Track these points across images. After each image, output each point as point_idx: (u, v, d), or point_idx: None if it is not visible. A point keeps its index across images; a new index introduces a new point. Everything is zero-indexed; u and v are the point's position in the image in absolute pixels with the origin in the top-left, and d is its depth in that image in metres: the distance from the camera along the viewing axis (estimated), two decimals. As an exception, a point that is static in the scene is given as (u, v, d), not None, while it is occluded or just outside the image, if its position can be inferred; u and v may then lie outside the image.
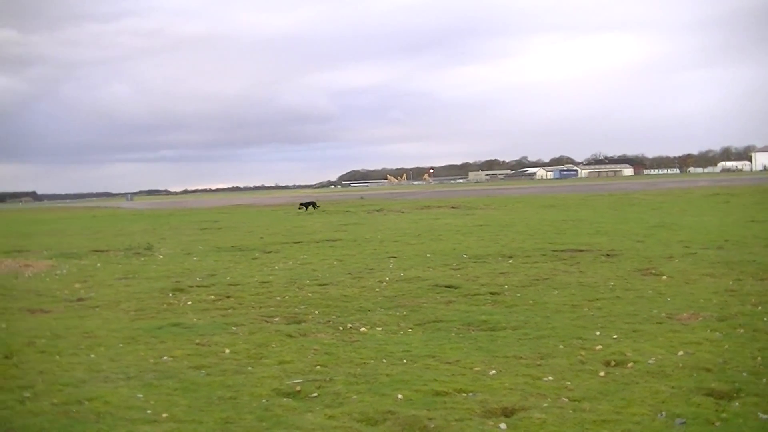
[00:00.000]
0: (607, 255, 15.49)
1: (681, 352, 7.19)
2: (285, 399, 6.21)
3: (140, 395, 6.36)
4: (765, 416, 5.37)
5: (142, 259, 19.06)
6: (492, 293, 11.24)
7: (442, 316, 9.63)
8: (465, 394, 6.15)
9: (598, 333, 8.23)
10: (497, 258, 15.77)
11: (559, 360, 7.17)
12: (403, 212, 39.76)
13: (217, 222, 37.42)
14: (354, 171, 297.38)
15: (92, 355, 7.95)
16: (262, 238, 24.59)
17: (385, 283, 12.65)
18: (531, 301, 10.45)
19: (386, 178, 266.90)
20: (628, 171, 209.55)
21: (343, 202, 64.02)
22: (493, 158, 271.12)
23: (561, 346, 7.69)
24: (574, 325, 8.69)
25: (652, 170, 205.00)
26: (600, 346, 7.58)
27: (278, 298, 11.56)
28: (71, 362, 7.65)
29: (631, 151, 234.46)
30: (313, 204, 46.82)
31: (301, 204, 46.98)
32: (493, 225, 26.13)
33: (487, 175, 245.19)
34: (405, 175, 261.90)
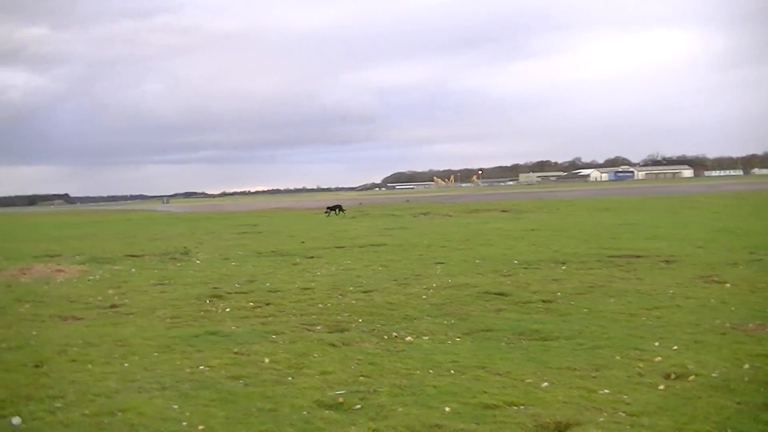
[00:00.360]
0: (666, 261, 15.22)
1: (747, 366, 6.98)
2: (327, 411, 6.16)
3: (175, 406, 6.33)
4: None
5: (179, 264, 19.14)
6: (544, 301, 11.10)
7: (491, 324, 9.52)
8: (516, 408, 6.05)
9: (657, 343, 8.04)
10: (550, 264, 15.60)
11: (616, 372, 7.01)
12: (450, 216, 39.68)
13: (256, 226, 37.80)
14: (399, 173, 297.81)
15: (126, 364, 7.98)
16: (303, 242, 24.71)
17: (431, 290, 12.58)
18: (585, 310, 10.28)
19: (433, 180, 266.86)
20: (688, 172, 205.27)
21: (388, 205, 64.17)
22: (545, 159, 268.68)
23: (617, 357, 7.53)
24: (631, 335, 8.52)
25: (713, 172, 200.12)
26: (659, 358, 7.40)
27: (320, 305, 11.54)
28: (104, 371, 7.67)
29: (690, 152, 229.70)
30: (339, 207, 47.04)
31: (328, 208, 47.28)
32: (545, 229, 25.90)
33: (539, 176, 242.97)
34: (453, 177, 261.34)
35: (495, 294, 11.92)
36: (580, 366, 7.26)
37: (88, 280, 16.02)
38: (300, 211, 59.72)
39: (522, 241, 21.39)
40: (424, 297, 11.94)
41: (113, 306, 12.33)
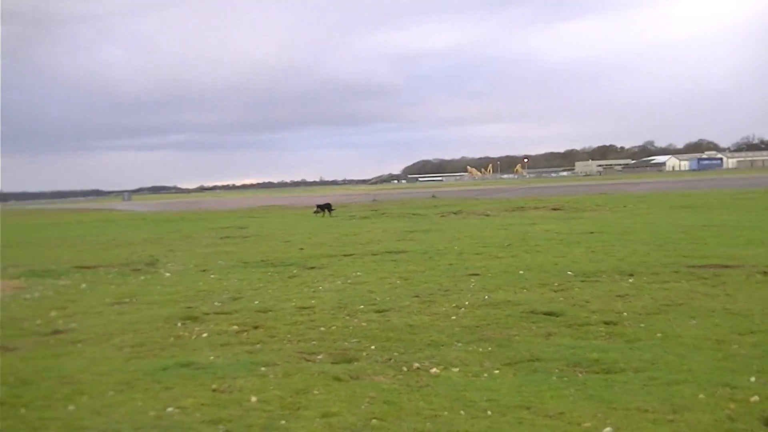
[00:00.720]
0: (765, 273, 15.13)
1: None
2: (330, 465, 6.14)
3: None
4: None
5: (143, 277, 19.21)
6: (607, 323, 11.08)
7: (539, 352, 9.51)
8: (570, 460, 6.01)
9: (752, 379, 7.97)
10: (613, 276, 15.60)
11: (699, 415, 6.96)
12: (488, 215, 39.75)
13: (243, 229, 37.97)
14: (424, 161, 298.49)
15: (71, 407, 7.93)
16: (302, 249, 24.81)
17: (463, 309, 12.64)
18: (660, 334, 10.22)
19: (466, 171, 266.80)
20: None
21: (410, 201, 64.29)
22: (607, 144, 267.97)
23: (701, 396, 7.48)
24: (719, 368, 8.45)
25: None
26: (756, 397, 7.33)
27: (322, 328, 11.61)
28: (42, 417, 7.61)
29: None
30: (328, 207, 48.10)
31: (318, 206, 48.12)
32: (607, 232, 25.89)
33: (600, 165, 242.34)
34: (491, 166, 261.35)
35: (544, 314, 11.92)
36: (654, 406, 7.23)
37: (24, 300, 16.05)
38: (298, 209, 59.73)
39: (578, 247, 21.43)
40: (454, 318, 11.97)
41: (56, 332, 12.28)
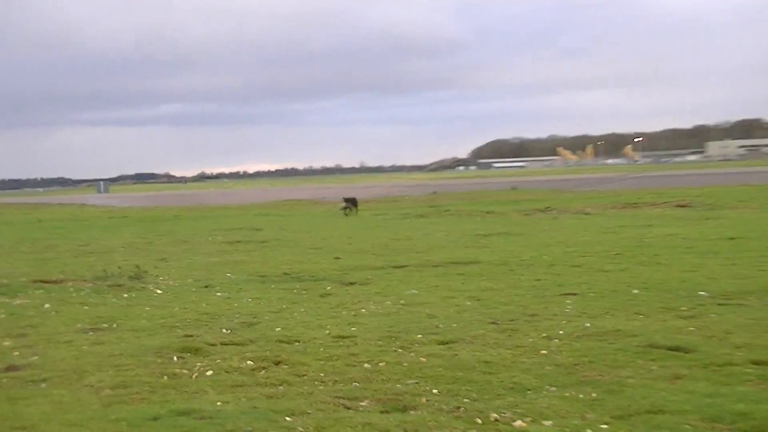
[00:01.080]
0: None
1: None
2: None
3: None
4: None
5: (126, 295, 19.18)
6: (756, 363, 10.90)
7: (662, 402, 9.34)
8: None
9: None
10: (764, 298, 15.41)
11: None
12: (588, 214, 40.06)
13: (258, 231, 38.39)
14: (499, 141, 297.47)
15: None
16: (338, 258, 24.97)
17: (557, 341, 12.60)
18: (832, 379, 9.98)
19: (557, 154, 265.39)
20: None
21: (481, 195, 64.52)
22: (752, 117, 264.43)
23: None
24: None
25: None
26: None
27: (367, 365, 11.57)
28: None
29: None
30: (353, 202, 49.49)
31: (345, 200, 49.41)
32: (754, 238, 25.70)
33: (742, 147, 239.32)
34: (591, 148, 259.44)
35: (668, 349, 11.81)
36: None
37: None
38: (332, 204, 59.58)
39: (714, 258, 21.24)
40: (545, 352, 11.91)
41: (11, 368, 12.23)
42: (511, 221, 37.49)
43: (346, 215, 47.17)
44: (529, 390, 10.08)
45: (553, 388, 10.12)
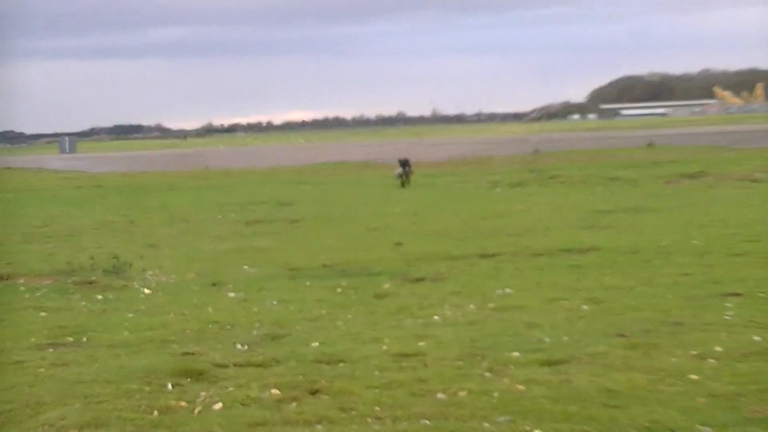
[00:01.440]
0: None
1: None
2: None
3: None
4: None
5: (101, 297, 17.47)
6: None
7: None
8: None
9: None
10: None
11: None
12: (758, 181, 38.36)
13: (287, 206, 36.34)
14: (628, 79, 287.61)
15: None
16: (399, 244, 23.22)
17: (713, 362, 11.14)
18: None
19: (713, 97, 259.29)
20: None
21: (604, 154, 63.54)
22: None
23: None
24: None
25: None
26: None
27: (441, 395, 10.08)
28: None
29: None
30: (407, 163, 46.16)
31: (401, 164, 45.86)
32: None
33: None
34: (762, 87, 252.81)
35: None
36: None
37: None
38: (390, 169, 53.75)
39: None
40: (695, 378, 10.48)
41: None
42: (645, 192, 35.79)
43: (402, 185, 43.98)
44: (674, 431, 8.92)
45: (708, 429, 8.94)
